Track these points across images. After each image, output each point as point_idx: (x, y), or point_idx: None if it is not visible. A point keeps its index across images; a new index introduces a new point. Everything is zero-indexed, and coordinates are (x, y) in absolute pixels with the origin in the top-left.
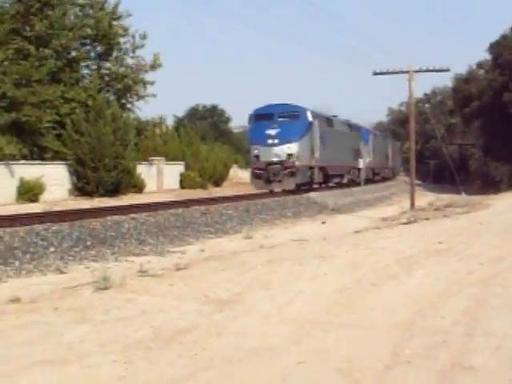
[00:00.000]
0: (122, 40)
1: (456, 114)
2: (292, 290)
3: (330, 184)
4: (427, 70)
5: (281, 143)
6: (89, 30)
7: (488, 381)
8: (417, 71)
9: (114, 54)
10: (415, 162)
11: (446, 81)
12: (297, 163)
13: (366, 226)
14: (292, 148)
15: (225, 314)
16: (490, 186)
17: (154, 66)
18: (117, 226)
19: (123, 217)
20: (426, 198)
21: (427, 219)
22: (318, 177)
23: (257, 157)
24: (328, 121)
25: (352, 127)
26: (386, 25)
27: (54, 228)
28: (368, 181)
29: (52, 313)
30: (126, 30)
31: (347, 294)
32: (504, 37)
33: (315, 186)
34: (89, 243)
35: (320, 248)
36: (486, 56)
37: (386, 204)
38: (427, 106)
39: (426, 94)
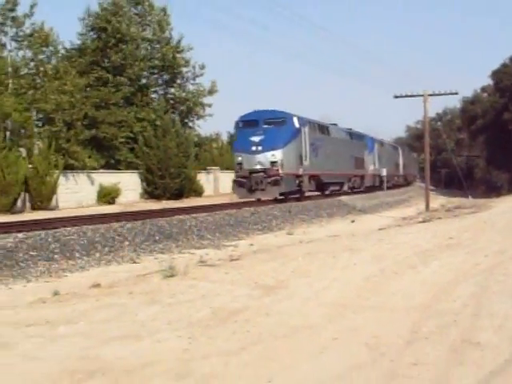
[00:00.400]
0: (184, 70)
1: (463, 130)
2: (327, 277)
3: (327, 192)
4: (439, 94)
5: (264, 150)
6: (156, 62)
7: (492, 354)
8: (430, 95)
9: (178, 81)
10: (429, 170)
11: (455, 102)
12: (281, 171)
13: (389, 224)
14: (276, 155)
15: (271, 298)
16: (493, 190)
17: (212, 92)
18: (180, 224)
19: (186, 216)
20: (438, 200)
21: (440, 218)
22: (308, 185)
23: (240, 164)
24: (322, 128)
25: (353, 136)
26: (401, 52)
27: (128, 225)
28: (372, 187)
29: (127, 296)
30: (187, 61)
31: (373, 281)
32: (504, 65)
33: (309, 194)
34: (157, 238)
35: (350, 242)
36: (489, 81)
37: (405, 206)
38: (439, 123)
39: (438, 114)
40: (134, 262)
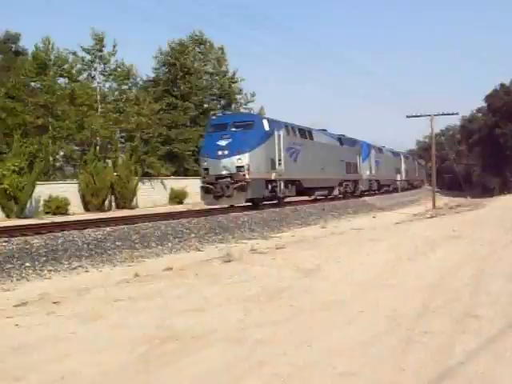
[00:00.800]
0: (238, 97)
1: (463, 143)
2: (354, 262)
3: (313, 197)
4: (442, 114)
5: (230, 155)
6: (216, 90)
7: (488, 325)
8: (435, 115)
9: (233, 106)
10: (435, 176)
11: (455, 121)
12: (248, 176)
13: (403, 219)
14: (242, 160)
15: (309, 279)
16: (487, 192)
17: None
18: (235, 220)
19: (240, 213)
20: (442, 200)
21: (444, 215)
22: (285, 190)
23: (206, 170)
24: (303, 132)
25: (344, 141)
26: (411, 79)
27: (194, 221)
28: (367, 192)
29: (194, 277)
30: (240, 90)
31: (391, 265)
32: (495, 90)
33: (289, 199)
34: (217, 231)
35: (372, 234)
36: (483, 104)
37: (416, 204)
38: (443, 137)
39: (441, 130)
40: (199, 250)
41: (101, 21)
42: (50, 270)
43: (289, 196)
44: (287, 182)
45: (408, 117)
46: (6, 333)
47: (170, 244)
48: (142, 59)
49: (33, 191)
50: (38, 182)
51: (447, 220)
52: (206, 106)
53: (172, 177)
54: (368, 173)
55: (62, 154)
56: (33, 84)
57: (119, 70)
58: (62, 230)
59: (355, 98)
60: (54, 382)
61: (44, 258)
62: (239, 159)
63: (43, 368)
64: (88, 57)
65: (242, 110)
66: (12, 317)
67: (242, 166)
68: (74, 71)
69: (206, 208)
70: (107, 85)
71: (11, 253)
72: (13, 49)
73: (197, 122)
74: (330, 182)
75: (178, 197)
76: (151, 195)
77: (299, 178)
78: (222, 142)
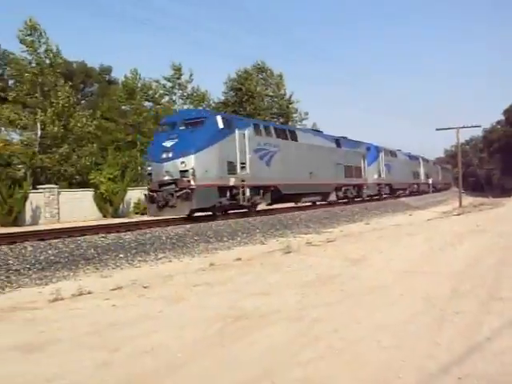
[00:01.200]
0: (294, 115)
1: (484, 151)
2: (394, 253)
3: (300, 204)
4: (467, 127)
5: (174, 157)
6: (275, 110)
7: (510, 306)
8: (461, 127)
9: (290, 123)
10: (461, 179)
11: (478, 132)
12: (193, 183)
13: (434, 216)
14: (186, 163)
15: (357, 267)
16: (505, 192)
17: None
18: (293, 217)
19: (297, 212)
20: (467, 200)
21: (469, 212)
22: (255, 197)
23: (150, 175)
24: (281, 132)
25: (344, 144)
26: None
27: (258, 219)
28: (376, 196)
29: (259, 266)
30: (296, 110)
31: (425, 255)
32: None
33: (263, 208)
34: (278, 227)
35: (408, 229)
36: (502, 117)
37: (444, 204)
38: (467, 146)
39: (466, 140)
40: (263, 244)
41: (179, 55)
42: (140, 261)
43: (259, 203)
44: (257, 188)
45: (438, 129)
46: (104, 312)
47: (238, 238)
48: (214, 85)
49: (125, 195)
50: (129, 188)
51: (472, 217)
52: None
53: None
54: (376, 176)
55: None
56: (123, 107)
57: (195, 94)
58: (149, 227)
59: (391, 114)
60: (145, 352)
61: (134, 251)
62: (183, 162)
63: (135, 341)
64: (169, 84)
65: (297, 126)
66: (109, 298)
67: (187, 171)
68: (157, 96)
69: (267, 209)
70: (185, 107)
71: (108, 246)
72: (106, 79)
73: None
74: (322, 188)
75: None
76: None
77: (274, 183)
78: (168, 143)
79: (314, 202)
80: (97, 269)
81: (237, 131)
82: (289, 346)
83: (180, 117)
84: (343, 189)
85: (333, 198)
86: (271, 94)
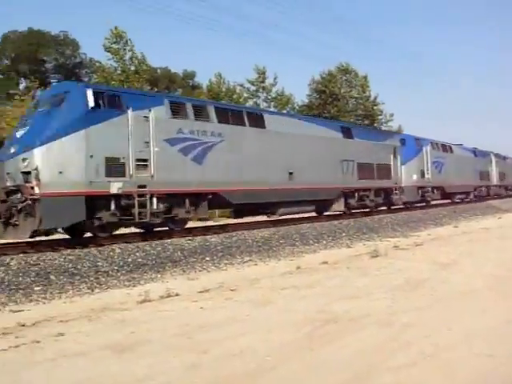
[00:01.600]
0: (379, 117)
1: None
2: (484, 257)
3: (276, 217)
4: None
5: (17, 153)
6: (360, 111)
7: None
8: None
9: (375, 124)
10: None
11: None
12: (38, 190)
13: None
14: (30, 160)
15: (446, 271)
16: None
17: (399, 132)
18: (379, 221)
19: (383, 215)
20: None
21: None
22: (168, 210)
23: None
24: (223, 114)
25: (355, 133)
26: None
27: (344, 222)
28: (414, 204)
29: (346, 270)
30: (381, 111)
31: None
32: None
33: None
34: (364, 230)
35: (499, 233)
36: None
37: None
38: None
39: None
40: (349, 247)
41: (263, 59)
42: (226, 264)
43: (187, 218)
44: (179, 197)
45: None
46: (192, 314)
47: (324, 242)
48: (298, 87)
49: None
50: None
51: None
52: None
53: None
54: (415, 177)
55: None
56: None
57: (279, 97)
58: (235, 231)
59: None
60: (233, 355)
61: (221, 254)
62: (25, 160)
63: (223, 344)
64: (253, 87)
65: (383, 127)
66: (197, 301)
67: (29, 172)
68: (241, 99)
69: (355, 212)
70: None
71: (194, 249)
72: (190, 84)
73: None
74: (314, 194)
75: None
76: None
77: (213, 188)
78: (19, 133)
79: (318, 212)
80: (183, 271)
81: (130, 112)
82: (379, 351)
83: (47, 92)
84: (357, 194)
85: (339, 207)
86: (356, 95)
